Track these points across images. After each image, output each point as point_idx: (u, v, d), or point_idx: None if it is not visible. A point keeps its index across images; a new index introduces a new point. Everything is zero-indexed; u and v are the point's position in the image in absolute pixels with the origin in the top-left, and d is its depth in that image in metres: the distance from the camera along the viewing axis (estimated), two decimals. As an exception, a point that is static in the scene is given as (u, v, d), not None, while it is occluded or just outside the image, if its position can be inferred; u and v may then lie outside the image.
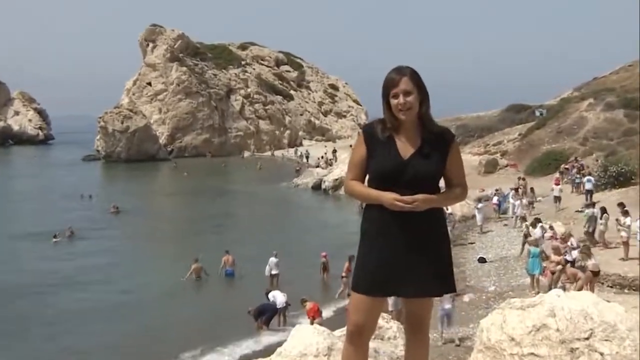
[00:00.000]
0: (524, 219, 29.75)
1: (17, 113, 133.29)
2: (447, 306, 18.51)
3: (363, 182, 4.36)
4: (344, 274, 24.87)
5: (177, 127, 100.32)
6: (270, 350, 7.00)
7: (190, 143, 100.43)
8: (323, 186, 56.89)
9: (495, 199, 37.86)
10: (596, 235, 26.68)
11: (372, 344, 5.41)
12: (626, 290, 20.90)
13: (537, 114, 69.23)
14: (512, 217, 36.03)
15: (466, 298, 22.57)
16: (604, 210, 27.23)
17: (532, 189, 38.91)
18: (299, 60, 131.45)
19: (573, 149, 50.80)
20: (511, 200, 37.65)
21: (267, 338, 21.56)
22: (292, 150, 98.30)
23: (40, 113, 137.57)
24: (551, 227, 28.76)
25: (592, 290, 18.44)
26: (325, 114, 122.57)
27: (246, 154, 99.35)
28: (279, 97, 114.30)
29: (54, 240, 36.23)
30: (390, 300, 17.12)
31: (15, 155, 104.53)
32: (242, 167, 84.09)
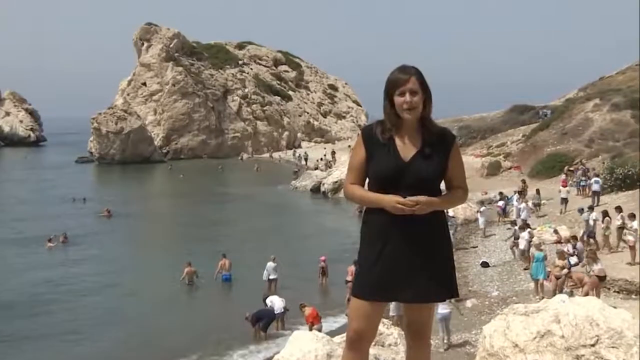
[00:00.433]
0: (527, 224, 29.71)
1: (7, 114, 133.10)
2: (444, 310, 18.48)
3: (363, 185, 4.36)
4: (349, 278, 24.83)
5: (173, 129, 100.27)
6: (268, 357, 6.98)
7: (186, 145, 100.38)
8: (322, 189, 56.86)
9: (501, 203, 37.68)
10: (599, 239, 26.71)
11: (373, 351, 5.40)
12: (633, 296, 20.85)
13: (542, 114, 69.23)
14: (515, 220, 36.02)
15: (469, 303, 22.57)
16: (605, 214, 27.28)
17: (537, 190, 38.87)
18: (297, 60, 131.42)
19: (578, 151, 50.74)
20: (515, 204, 37.62)
21: (264, 345, 21.57)
22: (290, 152, 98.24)
23: (32, 114, 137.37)
24: (556, 231, 28.79)
25: (597, 295, 18.42)
26: (325, 114, 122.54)
27: (244, 156, 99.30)
28: (277, 98, 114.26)
29: (49, 245, 36.20)
30: (391, 305, 17.12)
31: (6, 157, 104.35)
32: (239, 170, 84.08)
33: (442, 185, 4.37)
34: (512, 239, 28.85)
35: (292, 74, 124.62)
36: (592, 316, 5.27)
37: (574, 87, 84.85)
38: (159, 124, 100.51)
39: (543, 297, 18.78)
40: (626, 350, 5.09)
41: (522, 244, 27.11)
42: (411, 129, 4.26)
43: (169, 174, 79.85)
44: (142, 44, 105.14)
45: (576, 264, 23.24)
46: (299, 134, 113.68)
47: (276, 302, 22.72)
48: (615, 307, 5.59)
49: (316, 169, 70.21)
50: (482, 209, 35.94)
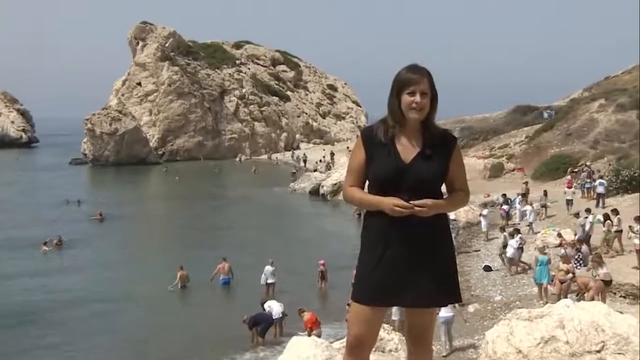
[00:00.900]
0: (517, 230, 29.77)
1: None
2: (447, 314, 18.45)
3: (363, 188, 4.36)
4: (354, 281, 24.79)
5: (169, 130, 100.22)
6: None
7: (182, 146, 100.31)
8: (321, 191, 56.87)
9: (505, 207, 37.53)
10: (598, 242, 26.75)
11: (373, 357, 5.40)
12: (640, 301, 20.82)
13: (545, 115, 69.23)
14: (519, 224, 36.02)
15: (471, 308, 22.56)
16: (607, 217, 27.31)
17: (545, 192, 38.88)
18: (296, 60, 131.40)
19: (583, 153, 50.74)
20: (518, 206, 37.61)
21: (262, 351, 21.54)
22: (288, 154, 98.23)
23: (24, 114, 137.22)
24: (559, 235, 28.78)
25: (603, 300, 18.38)
26: (324, 115, 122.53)
27: (243, 157, 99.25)
28: (275, 98, 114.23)
29: (44, 248, 36.20)
30: (393, 308, 17.10)
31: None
32: (236, 171, 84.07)
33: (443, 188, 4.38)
34: (501, 246, 28.87)
35: (291, 74, 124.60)
36: (598, 321, 5.26)
37: (575, 87, 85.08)
38: (155, 124, 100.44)
39: (547, 302, 18.77)
40: (633, 356, 5.08)
41: (510, 252, 27.11)
42: (413, 130, 4.27)
43: (165, 176, 79.79)
44: (137, 43, 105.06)
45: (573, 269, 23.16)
46: (297, 135, 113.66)
47: (274, 307, 22.69)
48: (621, 313, 5.58)
49: (315, 170, 70.21)
50: (485, 211, 35.92)
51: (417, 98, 4.17)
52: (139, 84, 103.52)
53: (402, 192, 4.16)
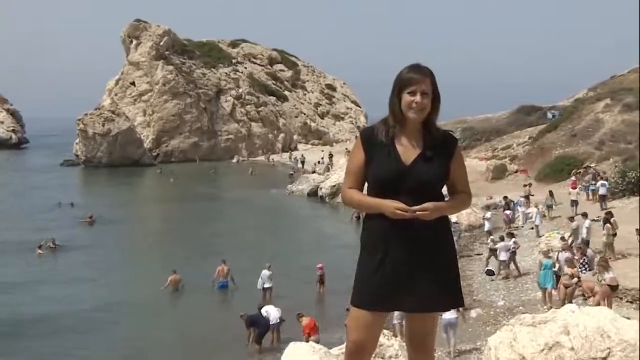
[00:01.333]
0: (511, 234, 29.82)
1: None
2: (451, 316, 18.42)
3: (362, 190, 4.36)
4: None
5: (163, 131, 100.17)
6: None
7: (177, 147, 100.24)
8: (320, 193, 56.88)
9: (508, 212, 37.37)
10: (599, 246, 26.78)
11: (373, 364, 5.39)
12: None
13: (549, 116, 69.28)
14: (523, 227, 36.04)
15: (473, 313, 22.55)
16: (607, 220, 27.35)
17: (551, 192, 38.92)
18: (294, 59, 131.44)
19: (588, 154, 50.74)
20: (521, 209, 37.61)
21: (260, 357, 21.52)
22: (286, 155, 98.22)
23: (14, 115, 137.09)
24: (563, 239, 28.78)
25: (609, 306, 18.34)
26: (322, 116, 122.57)
27: (241, 158, 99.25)
28: (273, 99, 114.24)
29: (39, 252, 36.26)
30: (395, 312, 17.11)
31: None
32: (233, 173, 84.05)
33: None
34: (489, 251, 28.94)
35: (289, 74, 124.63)
36: (604, 327, 5.26)
37: (577, 87, 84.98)
38: (149, 125, 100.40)
39: (552, 308, 18.76)
40: (639, 363, 5.07)
41: (503, 255, 27.14)
42: (414, 131, 4.27)
43: (159, 178, 79.73)
44: (131, 42, 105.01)
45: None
46: (295, 136, 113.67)
47: (272, 313, 22.66)
48: (628, 319, 5.57)
49: (313, 172, 70.22)
50: (489, 215, 35.90)
51: (418, 98, 4.18)
52: (133, 83, 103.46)
53: (402, 194, 4.16)
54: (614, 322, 5.36)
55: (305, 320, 21.27)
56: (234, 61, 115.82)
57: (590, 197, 39.46)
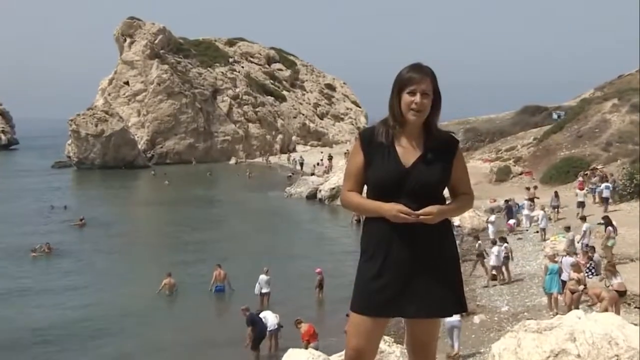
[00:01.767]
0: (503, 238, 29.86)
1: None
2: (454, 319, 18.41)
3: (361, 192, 4.36)
4: None
5: (158, 131, 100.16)
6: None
7: (172, 148, 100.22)
8: (319, 196, 56.92)
9: (511, 221, 37.21)
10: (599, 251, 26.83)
11: (373, 371, 5.37)
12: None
13: (555, 116, 69.35)
14: (527, 230, 36.04)
15: (477, 319, 22.53)
16: (608, 223, 27.38)
17: (556, 192, 38.93)
18: (292, 58, 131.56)
19: (595, 155, 50.74)
20: (525, 212, 37.59)
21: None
22: (284, 157, 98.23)
23: (3, 115, 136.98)
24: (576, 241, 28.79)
25: (617, 312, 18.32)
26: (321, 116, 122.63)
27: (238, 160, 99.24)
28: (271, 98, 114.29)
29: (32, 254, 36.29)
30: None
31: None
32: (229, 175, 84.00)
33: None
34: (476, 253, 29.02)
35: (287, 73, 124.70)
36: (611, 334, 5.25)
37: (581, 86, 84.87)
38: (143, 126, 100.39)
39: (557, 313, 18.75)
40: (647, 370, 5.06)
41: (493, 259, 27.17)
42: (414, 133, 4.27)
43: (153, 180, 79.71)
44: (125, 40, 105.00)
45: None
46: (293, 137, 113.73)
47: (269, 318, 22.63)
48: (636, 325, 5.56)
49: (312, 174, 70.25)
50: (492, 218, 35.87)
51: (417, 98, 4.17)
52: (127, 83, 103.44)
53: (402, 197, 4.16)
54: (622, 328, 5.35)
55: (304, 327, 21.24)
56: (230, 60, 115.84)
57: (597, 200, 39.46)
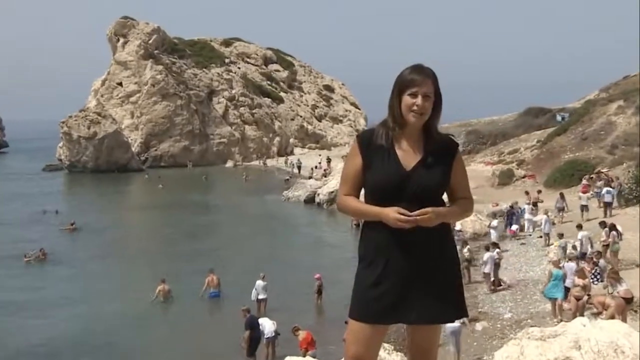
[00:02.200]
0: (495, 244, 29.90)
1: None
2: (454, 324, 18.39)
3: (358, 196, 4.35)
4: None
5: (152, 134, 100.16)
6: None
7: (166, 151, 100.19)
8: (317, 200, 56.93)
9: (514, 227, 37.21)
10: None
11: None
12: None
13: (559, 118, 69.39)
14: (530, 235, 36.04)
15: (479, 326, 22.51)
16: (612, 228, 27.38)
17: (562, 194, 38.93)
18: (289, 58, 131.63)
19: (600, 158, 50.75)
20: (527, 216, 37.58)
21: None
22: (282, 160, 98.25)
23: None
24: (574, 247, 28.79)
25: (624, 319, 18.26)
26: (320, 118, 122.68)
27: (236, 163, 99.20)
28: (268, 100, 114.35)
29: (25, 259, 36.39)
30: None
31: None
32: (225, 178, 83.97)
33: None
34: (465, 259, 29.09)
35: (284, 74, 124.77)
36: (617, 342, 5.24)
37: (586, 87, 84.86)
38: (137, 128, 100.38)
39: (561, 320, 18.73)
40: (654, 379, 5.05)
41: (487, 267, 27.20)
42: (414, 135, 4.27)
43: (147, 183, 79.70)
44: (118, 40, 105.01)
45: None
46: (291, 140, 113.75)
47: (266, 325, 22.59)
48: (642, 331, 5.55)
49: (310, 177, 70.28)
50: (495, 222, 35.87)
51: (419, 101, 4.17)
52: (120, 84, 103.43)
53: (402, 201, 4.15)
54: (628, 336, 5.34)
55: (302, 334, 21.22)
56: (226, 60, 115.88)
57: (601, 205, 39.43)
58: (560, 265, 23.98)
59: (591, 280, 23.05)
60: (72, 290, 31.98)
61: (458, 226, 32.63)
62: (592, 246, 28.25)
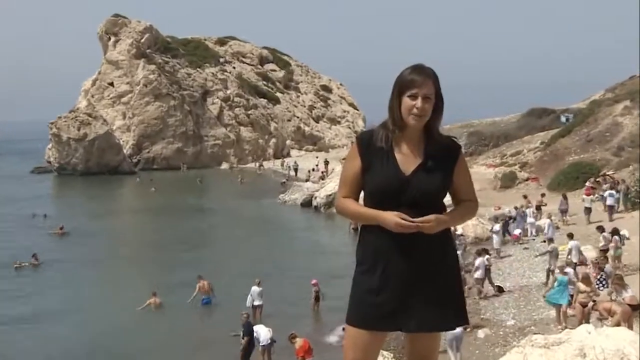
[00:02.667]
0: (484, 250, 29.95)
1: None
2: (455, 330, 18.39)
3: (357, 199, 4.35)
4: None
5: (145, 135, 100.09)
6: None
7: (159, 153, 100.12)
8: (314, 203, 56.90)
9: (517, 231, 37.19)
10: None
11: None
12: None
13: (563, 119, 69.42)
14: (534, 240, 36.04)
15: (481, 333, 22.51)
16: (615, 232, 27.39)
17: (564, 195, 38.94)
18: (286, 58, 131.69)
19: (605, 160, 50.76)
20: (530, 220, 37.56)
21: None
22: (278, 162, 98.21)
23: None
24: (580, 252, 28.76)
25: (630, 326, 18.26)
26: (317, 119, 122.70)
27: (232, 165, 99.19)
28: (263, 101, 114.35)
29: (15, 265, 36.40)
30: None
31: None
32: (220, 181, 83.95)
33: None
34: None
35: (280, 74, 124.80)
36: (624, 350, 5.24)
37: (591, 87, 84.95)
38: (129, 129, 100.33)
39: (566, 327, 18.72)
40: (661, 387, 5.05)
41: (478, 272, 27.24)
42: (414, 137, 4.27)
43: (139, 186, 79.63)
44: (109, 39, 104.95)
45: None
46: (287, 141, 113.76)
47: (262, 332, 22.57)
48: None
49: (307, 180, 70.29)
50: (497, 227, 35.86)
51: (419, 102, 4.16)
52: (111, 84, 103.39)
53: (401, 205, 4.15)
54: (635, 343, 5.34)
55: (299, 342, 21.22)
56: (221, 60, 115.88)
57: (606, 209, 39.47)
58: (566, 270, 23.97)
59: (597, 286, 23.04)
60: (62, 297, 31.86)
61: (459, 230, 32.62)
62: (581, 255, 28.28)
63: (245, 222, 53.34)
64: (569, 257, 27.56)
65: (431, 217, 4.13)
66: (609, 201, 36.88)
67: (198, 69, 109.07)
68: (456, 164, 4.33)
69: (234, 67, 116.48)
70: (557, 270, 26.44)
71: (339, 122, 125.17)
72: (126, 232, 52.27)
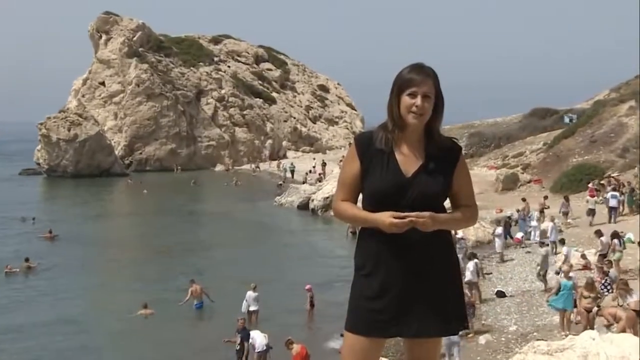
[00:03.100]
0: (473, 254, 30.03)
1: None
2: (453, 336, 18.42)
3: (355, 202, 4.35)
4: None
5: (137, 136, 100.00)
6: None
7: (152, 155, 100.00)
8: (311, 205, 56.89)
9: (519, 235, 37.22)
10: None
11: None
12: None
13: (566, 119, 69.46)
14: (536, 243, 36.06)
15: (482, 339, 22.52)
16: (615, 235, 27.45)
17: (566, 197, 38.98)
18: (282, 57, 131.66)
19: (610, 162, 50.81)
20: (533, 224, 37.59)
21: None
22: (274, 164, 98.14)
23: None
24: (584, 256, 28.81)
25: (635, 332, 18.26)
26: (314, 120, 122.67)
27: (228, 167, 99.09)
28: (259, 100, 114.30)
29: (5, 271, 36.27)
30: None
31: None
32: (214, 183, 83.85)
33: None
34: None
35: (276, 73, 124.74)
36: (629, 356, 5.25)
37: (595, 87, 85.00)
38: (120, 130, 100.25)
39: (569, 334, 18.74)
40: (667, 395, 5.06)
41: (468, 275, 27.28)
42: (415, 138, 4.27)
43: (130, 188, 79.55)
44: (100, 37, 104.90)
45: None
46: (284, 143, 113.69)
47: (257, 338, 22.58)
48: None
49: (304, 182, 70.28)
50: (499, 230, 35.90)
51: (418, 101, 4.17)
52: (103, 83, 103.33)
53: (402, 208, 4.15)
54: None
55: (296, 348, 21.21)
56: (215, 59, 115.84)
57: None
58: (571, 275, 23.99)
59: (601, 291, 23.07)
60: (52, 305, 31.76)
61: (460, 233, 32.66)
62: (584, 259, 28.36)
63: (241, 225, 53.30)
64: (563, 264, 27.64)
65: (426, 213, 4.13)
66: (612, 203, 36.94)
67: (192, 68, 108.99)
68: (457, 166, 4.34)
69: (228, 66, 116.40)
70: (551, 274, 26.62)
71: (336, 123, 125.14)
72: (117, 236, 52.15)
